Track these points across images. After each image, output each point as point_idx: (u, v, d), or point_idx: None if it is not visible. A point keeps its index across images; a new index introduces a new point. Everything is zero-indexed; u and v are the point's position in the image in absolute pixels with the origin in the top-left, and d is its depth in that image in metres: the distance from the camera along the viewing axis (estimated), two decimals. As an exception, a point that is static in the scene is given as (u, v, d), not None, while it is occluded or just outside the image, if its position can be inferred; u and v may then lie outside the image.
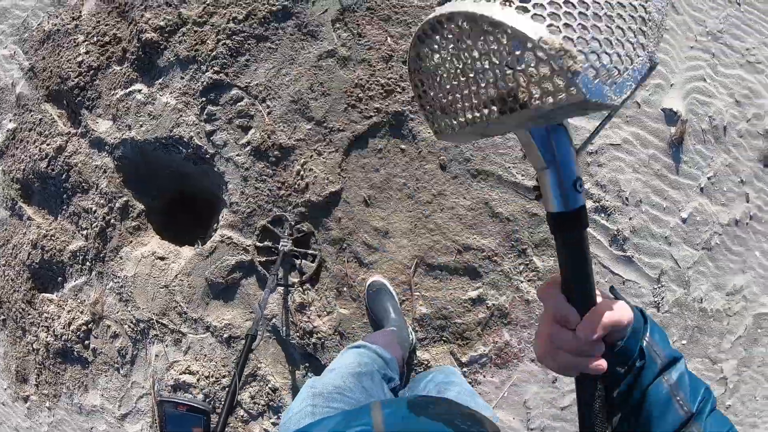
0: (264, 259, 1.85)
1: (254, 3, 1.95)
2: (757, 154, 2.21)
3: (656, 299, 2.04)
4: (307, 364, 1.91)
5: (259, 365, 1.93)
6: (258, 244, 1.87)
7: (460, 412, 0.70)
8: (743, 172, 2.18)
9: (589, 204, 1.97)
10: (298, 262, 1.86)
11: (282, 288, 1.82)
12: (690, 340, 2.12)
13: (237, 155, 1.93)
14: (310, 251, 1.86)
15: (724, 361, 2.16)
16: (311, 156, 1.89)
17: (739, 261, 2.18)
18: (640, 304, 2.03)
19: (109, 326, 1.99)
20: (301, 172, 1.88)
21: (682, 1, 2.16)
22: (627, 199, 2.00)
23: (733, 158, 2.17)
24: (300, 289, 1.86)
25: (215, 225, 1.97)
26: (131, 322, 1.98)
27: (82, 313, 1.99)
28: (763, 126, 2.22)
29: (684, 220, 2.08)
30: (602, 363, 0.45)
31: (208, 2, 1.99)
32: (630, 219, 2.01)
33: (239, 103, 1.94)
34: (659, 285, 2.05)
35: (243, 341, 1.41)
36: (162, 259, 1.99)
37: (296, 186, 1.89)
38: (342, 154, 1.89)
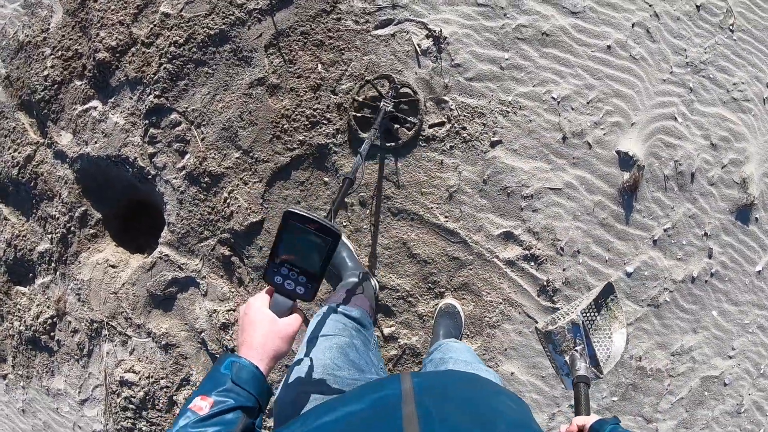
0: (359, 115, 1.65)
1: (194, 26, 1.78)
2: (728, 205, 1.79)
3: (586, 353, 1.76)
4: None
5: (190, 372, 1.90)
6: (356, 97, 1.65)
7: (486, 384, 0.69)
8: (709, 224, 1.78)
9: (518, 251, 1.69)
10: (395, 126, 1.65)
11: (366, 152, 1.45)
12: (623, 397, 1.83)
13: (174, 178, 1.83)
14: (409, 118, 1.64)
15: (661, 422, 1.86)
16: (237, 185, 1.74)
17: (691, 320, 1.82)
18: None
19: (70, 322, 2.03)
20: (228, 200, 1.75)
21: (662, 27, 1.72)
22: (562, 248, 1.70)
23: (699, 209, 1.77)
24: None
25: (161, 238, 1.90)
26: (87, 321, 2.01)
27: (48, 308, 2.04)
28: (741, 174, 1.79)
29: (629, 275, 1.75)
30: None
31: (155, 23, 1.84)
32: (563, 270, 1.71)
33: (177, 128, 1.82)
34: (591, 339, 1.75)
35: (341, 184, 1.22)
36: (113, 267, 1.97)
37: (223, 213, 1.77)
38: (265, 184, 1.73)
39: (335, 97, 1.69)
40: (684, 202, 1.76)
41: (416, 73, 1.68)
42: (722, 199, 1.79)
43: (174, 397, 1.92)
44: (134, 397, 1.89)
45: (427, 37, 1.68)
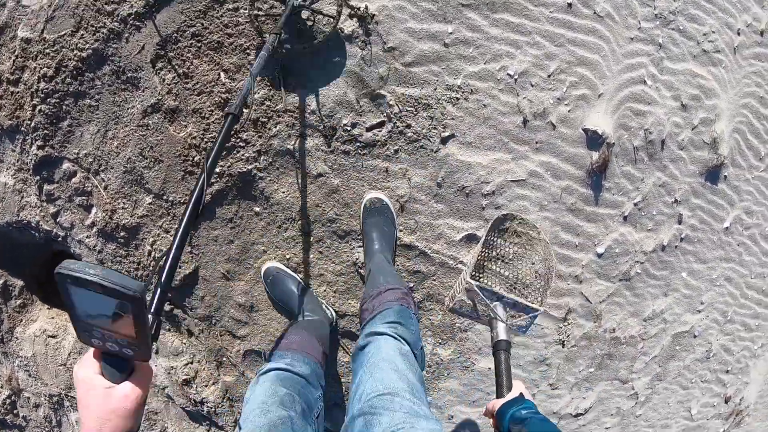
0: (264, 14, 1.14)
1: (62, 50, 1.20)
2: (699, 167, 1.46)
3: (561, 337, 1.50)
4: (207, 422, 1.51)
5: (165, 425, 1.56)
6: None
7: None
8: (679, 190, 1.45)
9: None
10: (308, 24, 1.16)
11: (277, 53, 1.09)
12: (599, 366, 1.61)
13: (87, 237, 1.34)
14: (325, 11, 1.13)
15: (636, 380, 1.67)
16: (159, 234, 1.28)
17: (661, 285, 1.56)
18: (543, 344, 1.49)
19: (29, 398, 1.63)
20: (152, 253, 1.30)
21: (626, -30, 1.25)
22: (532, 244, 1.34)
23: (669, 176, 1.43)
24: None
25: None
26: (46, 395, 1.61)
27: (2, 387, 1.62)
28: (711, 133, 1.43)
29: (600, 255, 1.44)
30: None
31: (16, 53, 1.24)
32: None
33: (74, 179, 1.30)
34: (565, 323, 1.48)
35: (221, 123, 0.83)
36: (53, 337, 1.54)
37: (152, 267, 1.32)
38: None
39: (248, 110, 1.19)
40: (654, 171, 1.41)
41: (343, 65, 1.19)
42: (692, 162, 1.45)
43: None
44: (118, 459, 1.57)
45: (350, 17, 1.17)
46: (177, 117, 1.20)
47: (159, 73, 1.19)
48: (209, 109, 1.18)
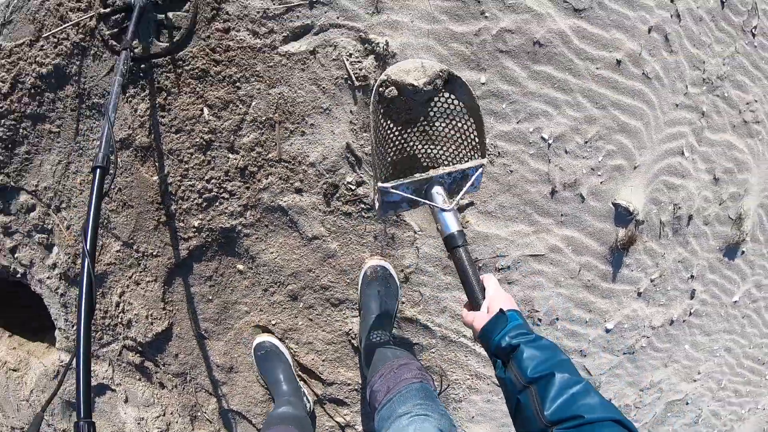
0: (115, 30, 0.87)
1: (19, 62, 0.91)
2: (719, 242, 1.27)
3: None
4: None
5: None
6: (102, 10, 0.85)
7: None
8: (697, 266, 1.27)
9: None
10: (161, 16, 0.87)
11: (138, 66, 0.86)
12: None
13: (48, 278, 1.10)
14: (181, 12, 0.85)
15: (621, 440, 1.53)
16: (128, 286, 1.05)
17: (663, 357, 1.40)
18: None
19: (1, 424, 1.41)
20: (121, 305, 1.06)
21: (682, 32, 1.01)
22: (540, 319, 1.16)
23: (690, 251, 1.24)
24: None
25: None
26: (10, 428, 1.39)
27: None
28: (737, 209, 1.24)
29: (608, 331, 1.25)
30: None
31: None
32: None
33: (32, 213, 1.04)
34: (566, 393, 1.31)
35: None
36: (15, 370, 1.30)
37: (120, 320, 1.08)
38: (162, 284, 1.04)
39: (235, 156, 0.94)
40: (676, 247, 1.22)
41: (351, 111, 0.94)
42: (714, 238, 1.27)
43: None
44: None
45: (366, 53, 0.91)
46: (149, 156, 0.94)
47: (131, 101, 0.92)
48: (188, 150, 0.93)
